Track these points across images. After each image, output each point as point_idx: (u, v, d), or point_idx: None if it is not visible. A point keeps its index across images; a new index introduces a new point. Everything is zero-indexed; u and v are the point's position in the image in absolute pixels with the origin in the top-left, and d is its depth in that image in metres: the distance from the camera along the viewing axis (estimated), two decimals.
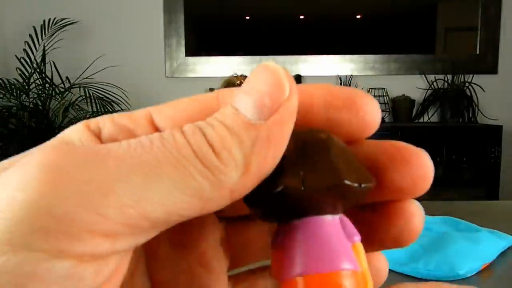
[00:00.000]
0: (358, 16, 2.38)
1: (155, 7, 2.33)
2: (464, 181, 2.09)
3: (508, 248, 0.61)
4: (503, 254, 0.60)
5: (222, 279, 0.17)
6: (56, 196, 0.10)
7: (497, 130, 2.03)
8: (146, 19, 2.34)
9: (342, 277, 0.13)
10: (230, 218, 0.18)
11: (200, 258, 0.17)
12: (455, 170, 2.09)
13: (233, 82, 0.95)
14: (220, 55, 2.33)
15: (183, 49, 2.34)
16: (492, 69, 2.30)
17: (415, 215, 0.14)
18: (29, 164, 0.11)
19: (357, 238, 0.14)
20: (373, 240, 0.15)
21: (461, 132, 2.11)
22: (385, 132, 2.05)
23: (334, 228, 0.14)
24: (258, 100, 0.12)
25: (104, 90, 2.17)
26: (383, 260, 0.16)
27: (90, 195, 0.10)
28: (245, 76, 1.00)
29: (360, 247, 0.14)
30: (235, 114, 0.12)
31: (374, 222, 0.15)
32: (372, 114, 0.14)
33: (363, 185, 0.13)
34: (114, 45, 2.33)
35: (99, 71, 2.22)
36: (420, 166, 0.14)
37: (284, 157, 0.13)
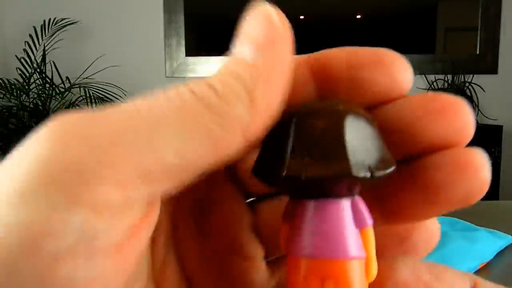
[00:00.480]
0: (358, 16, 2.38)
1: (155, 7, 2.32)
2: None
3: (506, 247, 0.61)
4: (500, 253, 0.60)
5: (259, 266, 0.17)
6: (65, 149, 0.10)
7: (497, 130, 2.03)
8: (146, 19, 2.34)
9: (345, 265, 0.13)
10: (260, 198, 0.17)
11: (232, 245, 0.16)
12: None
13: None
14: (220, 55, 2.33)
15: (183, 49, 2.34)
16: (492, 69, 2.30)
17: (478, 162, 0.13)
18: (39, 130, 0.11)
19: (369, 222, 0.13)
20: (437, 202, 0.13)
21: None
22: None
23: (343, 213, 0.13)
24: (252, 41, 0.13)
25: (104, 90, 2.17)
26: (435, 222, 0.16)
27: (99, 146, 0.10)
28: None
29: (370, 232, 0.13)
30: (232, 58, 0.13)
31: (436, 181, 0.13)
32: (401, 71, 0.13)
33: (376, 174, 0.12)
34: (114, 45, 2.33)
35: (99, 71, 2.22)
36: (457, 112, 0.13)
37: (297, 134, 0.13)
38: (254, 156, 0.14)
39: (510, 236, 0.62)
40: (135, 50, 2.35)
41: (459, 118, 0.13)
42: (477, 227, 0.65)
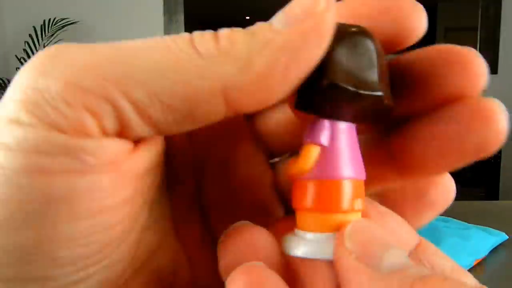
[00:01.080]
0: None
1: (155, 7, 2.33)
2: (464, 181, 2.08)
3: (500, 244, 0.62)
4: (494, 250, 0.60)
5: None
6: (53, 75, 0.11)
7: None
8: (146, 19, 2.34)
9: (351, 184, 0.13)
10: (282, 159, 0.17)
11: (254, 201, 0.16)
12: (455, 170, 2.09)
13: None
14: None
15: None
16: (492, 69, 2.30)
17: (493, 110, 0.13)
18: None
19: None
20: (451, 153, 0.13)
21: None
22: None
23: (353, 135, 0.14)
24: (288, 9, 0.12)
25: None
26: (450, 179, 0.16)
27: (79, 73, 0.11)
28: None
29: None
30: (261, 23, 0.12)
31: (450, 131, 0.13)
32: (414, 18, 0.13)
33: (360, 91, 0.12)
34: None
35: None
36: (471, 61, 0.13)
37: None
38: (277, 116, 0.15)
39: (503, 233, 0.62)
40: None
41: (473, 67, 0.13)
42: (470, 225, 0.65)
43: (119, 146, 0.12)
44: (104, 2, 2.34)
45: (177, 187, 0.16)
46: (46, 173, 0.11)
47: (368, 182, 0.14)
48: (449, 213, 0.73)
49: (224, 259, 0.13)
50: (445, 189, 0.16)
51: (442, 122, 0.13)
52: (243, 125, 0.17)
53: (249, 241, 0.13)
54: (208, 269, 0.16)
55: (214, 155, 0.16)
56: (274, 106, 0.16)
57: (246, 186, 0.16)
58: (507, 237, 0.62)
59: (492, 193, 2.04)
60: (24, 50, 2.09)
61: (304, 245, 0.13)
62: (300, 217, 0.14)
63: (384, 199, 0.16)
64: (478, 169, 2.08)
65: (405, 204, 0.16)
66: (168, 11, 2.33)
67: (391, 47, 0.14)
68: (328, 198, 0.13)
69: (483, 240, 0.60)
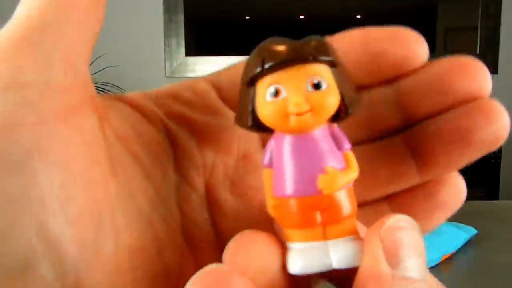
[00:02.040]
0: (358, 16, 2.38)
1: (155, 7, 2.33)
2: (464, 181, 2.08)
3: (470, 240, 0.62)
4: (464, 246, 0.61)
5: None
6: None
7: None
8: (146, 19, 2.34)
9: (331, 196, 0.13)
10: None
11: (263, 205, 0.17)
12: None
13: None
14: (220, 55, 2.33)
15: (183, 49, 2.34)
16: (492, 69, 2.30)
17: (499, 108, 0.15)
18: None
19: (348, 146, 0.14)
20: (469, 145, 0.15)
21: None
22: None
23: (321, 143, 0.13)
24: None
25: (104, 90, 2.17)
26: (461, 179, 0.17)
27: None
28: None
29: (351, 154, 0.14)
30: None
31: (466, 127, 0.15)
32: (416, 43, 0.15)
33: (320, 57, 0.13)
34: (114, 45, 2.33)
35: (99, 71, 2.22)
36: (477, 69, 0.15)
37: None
38: None
39: (473, 229, 0.63)
40: (135, 50, 2.34)
41: (479, 74, 0.15)
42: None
43: (68, 100, 0.13)
44: None
45: (187, 188, 0.16)
46: (16, 128, 0.12)
47: (389, 181, 0.15)
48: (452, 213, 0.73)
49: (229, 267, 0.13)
50: (456, 189, 0.16)
51: (454, 120, 0.15)
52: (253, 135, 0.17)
53: (253, 251, 0.13)
54: None
55: (227, 159, 0.17)
56: None
57: (257, 188, 0.17)
58: (476, 231, 0.63)
59: (492, 193, 2.04)
60: None
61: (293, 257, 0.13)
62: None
63: (393, 201, 0.16)
64: (478, 169, 2.07)
65: (415, 206, 0.16)
66: (168, 11, 2.33)
67: (396, 71, 0.15)
68: (281, 215, 0.13)
69: (454, 236, 0.60)
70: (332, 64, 0.13)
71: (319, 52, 0.13)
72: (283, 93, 0.13)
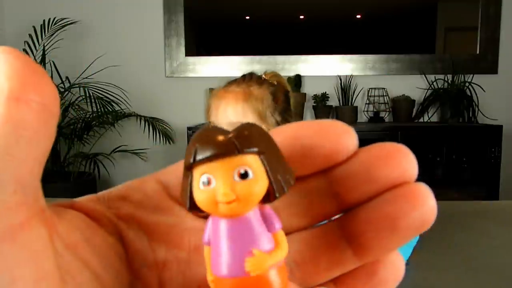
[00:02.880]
0: (358, 16, 2.38)
1: (155, 7, 2.33)
2: (464, 181, 2.09)
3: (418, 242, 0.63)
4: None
5: None
6: None
7: (497, 130, 2.03)
8: (146, 19, 2.34)
9: (261, 277, 0.14)
10: None
11: None
12: (455, 170, 2.09)
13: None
14: (220, 55, 2.33)
15: (183, 49, 2.34)
16: (492, 69, 2.30)
17: (424, 193, 0.15)
18: None
19: (278, 226, 0.14)
20: (397, 231, 0.15)
21: (461, 132, 2.11)
22: (385, 132, 2.05)
23: (250, 225, 0.14)
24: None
25: (104, 90, 2.17)
26: (399, 256, 0.17)
27: None
28: (271, 72, 1.02)
29: (282, 234, 0.15)
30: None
31: (393, 214, 0.15)
32: (344, 135, 0.16)
33: (247, 149, 0.14)
34: (114, 45, 2.33)
35: (99, 71, 2.22)
36: (402, 155, 0.15)
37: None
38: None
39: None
40: (135, 50, 2.35)
41: (403, 160, 0.15)
42: None
43: (15, 219, 0.12)
44: (104, 2, 2.34)
45: (140, 286, 0.17)
46: None
47: (329, 268, 0.16)
48: (449, 212, 0.73)
49: None
50: (394, 267, 0.17)
51: (381, 207, 0.16)
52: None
53: None
54: None
55: (175, 255, 0.17)
56: None
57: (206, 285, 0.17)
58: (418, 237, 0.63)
59: (492, 193, 2.04)
60: (24, 50, 2.09)
61: None
62: None
63: (338, 282, 0.17)
64: (478, 169, 2.08)
65: (358, 286, 0.17)
66: (168, 11, 2.33)
67: (327, 162, 0.16)
68: None
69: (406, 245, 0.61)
70: (260, 152, 0.14)
71: (245, 145, 0.14)
72: (213, 183, 0.14)
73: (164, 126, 2.27)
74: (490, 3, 2.28)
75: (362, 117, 2.31)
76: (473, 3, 2.29)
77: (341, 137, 0.16)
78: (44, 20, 2.15)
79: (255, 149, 0.14)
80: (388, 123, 2.27)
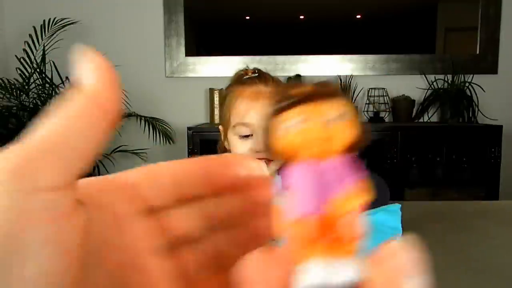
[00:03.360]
0: (358, 16, 2.38)
1: (155, 7, 2.33)
2: (464, 181, 2.09)
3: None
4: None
5: None
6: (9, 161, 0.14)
7: (497, 130, 2.03)
8: (146, 19, 2.34)
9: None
10: None
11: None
12: (455, 170, 2.09)
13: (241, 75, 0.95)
14: (220, 55, 2.33)
15: (183, 49, 2.34)
16: (492, 69, 2.30)
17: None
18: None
19: (361, 174, 0.15)
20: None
21: (461, 132, 2.11)
22: (385, 132, 2.05)
23: (337, 167, 0.15)
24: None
25: None
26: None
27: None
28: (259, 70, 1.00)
29: (364, 182, 0.15)
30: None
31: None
32: (244, 169, 0.17)
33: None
34: (114, 45, 2.33)
35: None
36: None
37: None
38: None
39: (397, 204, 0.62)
40: (135, 50, 2.35)
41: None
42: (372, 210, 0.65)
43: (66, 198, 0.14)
44: (104, 2, 2.34)
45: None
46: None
47: None
48: (449, 212, 0.73)
49: None
50: None
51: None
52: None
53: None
54: None
55: (208, 252, 0.18)
56: None
57: None
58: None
59: (492, 193, 2.04)
60: (24, 50, 2.09)
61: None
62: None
63: None
64: (478, 169, 2.08)
65: None
66: (168, 11, 2.33)
67: (223, 187, 0.18)
68: (297, 235, 0.15)
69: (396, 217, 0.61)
70: (349, 101, 0.15)
71: (338, 93, 0.15)
72: (307, 124, 0.15)
73: (164, 126, 2.27)
74: (490, 3, 2.28)
75: (362, 117, 2.31)
76: (473, 3, 2.29)
77: (242, 168, 0.18)
78: (44, 20, 2.15)
79: (347, 98, 0.15)
80: (388, 123, 2.27)
